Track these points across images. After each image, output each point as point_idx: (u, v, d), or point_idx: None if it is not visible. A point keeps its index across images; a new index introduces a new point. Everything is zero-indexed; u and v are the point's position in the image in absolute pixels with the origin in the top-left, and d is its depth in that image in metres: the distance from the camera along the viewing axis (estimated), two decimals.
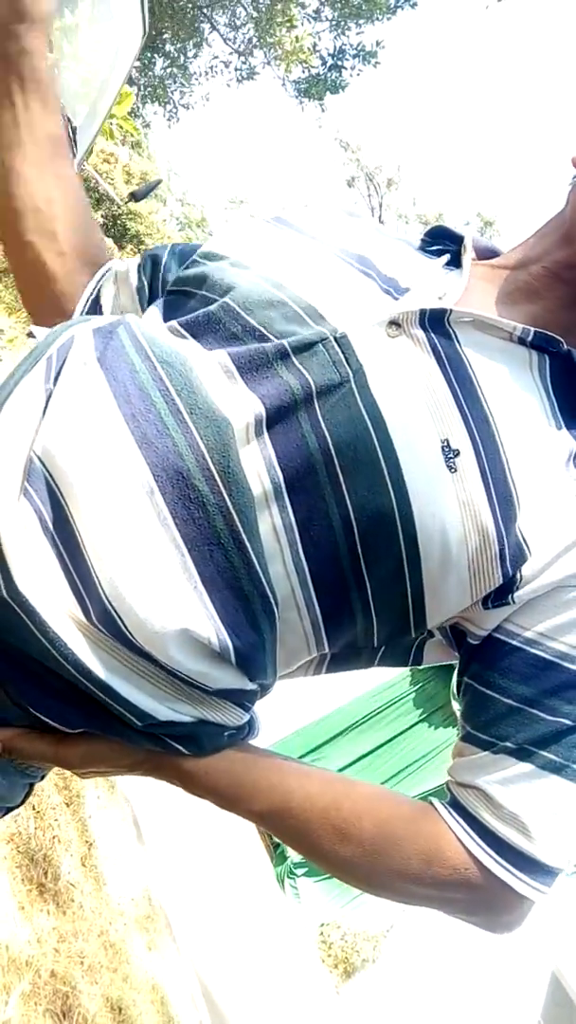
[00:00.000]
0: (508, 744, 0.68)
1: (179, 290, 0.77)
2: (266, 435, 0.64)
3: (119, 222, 15.39)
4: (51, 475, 0.62)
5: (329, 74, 12.94)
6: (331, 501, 0.64)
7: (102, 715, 0.65)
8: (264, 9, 10.84)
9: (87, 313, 0.83)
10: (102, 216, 15.00)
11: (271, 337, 0.66)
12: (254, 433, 0.63)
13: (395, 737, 5.80)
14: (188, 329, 0.70)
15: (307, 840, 0.72)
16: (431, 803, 0.72)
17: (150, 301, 0.84)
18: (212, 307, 0.69)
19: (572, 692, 0.67)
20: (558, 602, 0.67)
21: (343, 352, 0.65)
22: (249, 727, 0.74)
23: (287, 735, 5.54)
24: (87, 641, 0.62)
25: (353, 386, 0.64)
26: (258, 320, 0.67)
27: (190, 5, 13.05)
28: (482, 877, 0.67)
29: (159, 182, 4.98)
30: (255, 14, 12.14)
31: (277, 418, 0.64)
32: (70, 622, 0.61)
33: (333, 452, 0.63)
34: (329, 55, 12.82)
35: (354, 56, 12.84)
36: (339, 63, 12.91)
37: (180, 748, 0.69)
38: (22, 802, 0.82)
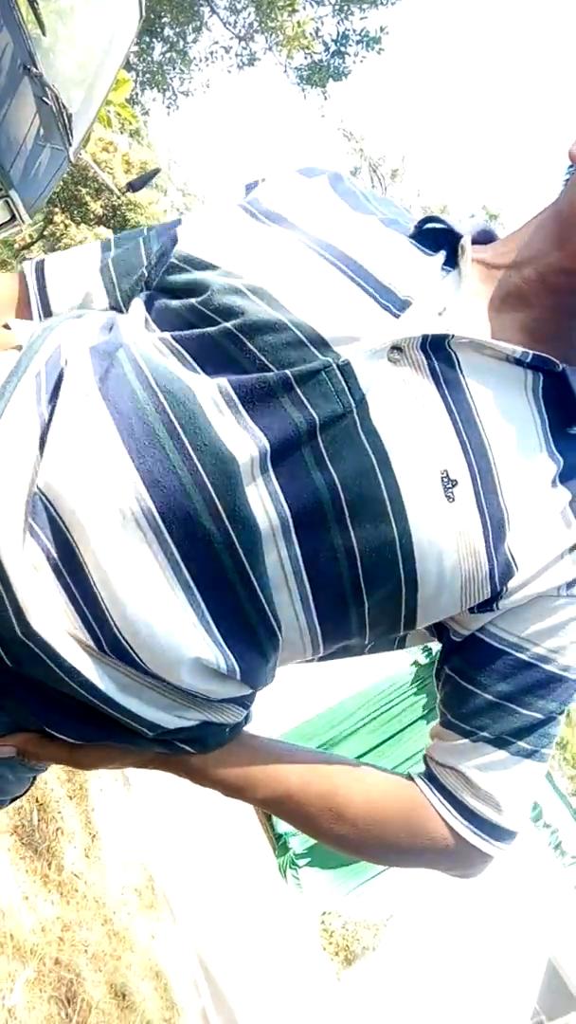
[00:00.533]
0: (486, 734, 0.75)
1: (168, 296, 0.74)
2: (271, 471, 0.64)
3: (119, 213, 15.30)
4: (56, 512, 0.63)
5: (332, 61, 12.81)
6: (336, 534, 0.65)
7: (116, 729, 0.69)
8: None
9: (43, 316, 0.81)
10: (101, 206, 14.92)
11: (272, 367, 0.65)
12: (259, 469, 0.63)
13: (399, 732, 5.83)
14: (185, 347, 0.68)
15: (306, 821, 0.79)
16: (413, 781, 0.79)
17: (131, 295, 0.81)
18: (211, 331, 0.67)
19: (545, 689, 0.74)
20: (541, 610, 0.72)
21: (346, 381, 0.64)
22: (246, 719, 0.78)
23: (297, 725, 5.56)
24: (100, 667, 0.64)
25: (356, 418, 0.65)
26: (258, 346, 0.65)
27: None
28: (459, 845, 0.76)
29: (157, 171, 4.94)
30: None
31: (282, 453, 0.64)
32: (83, 653, 0.64)
33: (339, 487, 0.64)
34: (332, 41, 12.70)
35: (357, 42, 12.71)
36: (342, 49, 12.78)
37: (188, 749, 0.74)
38: (25, 791, 0.86)
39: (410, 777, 0.80)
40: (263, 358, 0.65)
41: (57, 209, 13.17)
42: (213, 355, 0.67)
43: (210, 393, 0.64)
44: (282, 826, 5.39)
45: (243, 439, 0.63)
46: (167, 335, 0.70)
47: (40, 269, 0.82)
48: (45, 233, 13.38)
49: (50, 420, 0.65)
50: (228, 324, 0.66)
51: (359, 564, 0.66)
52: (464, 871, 0.81)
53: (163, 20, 12.97)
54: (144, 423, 0.64)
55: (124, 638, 0.63)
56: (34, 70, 2.82)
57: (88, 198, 14.59)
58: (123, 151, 13.60)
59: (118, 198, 14.48)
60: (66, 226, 14.28)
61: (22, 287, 0.82)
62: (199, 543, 0.63)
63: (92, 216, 14.93)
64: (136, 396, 0.65)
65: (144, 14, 3.92)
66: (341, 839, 0.79)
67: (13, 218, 3.19)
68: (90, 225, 14.81)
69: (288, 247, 0.72)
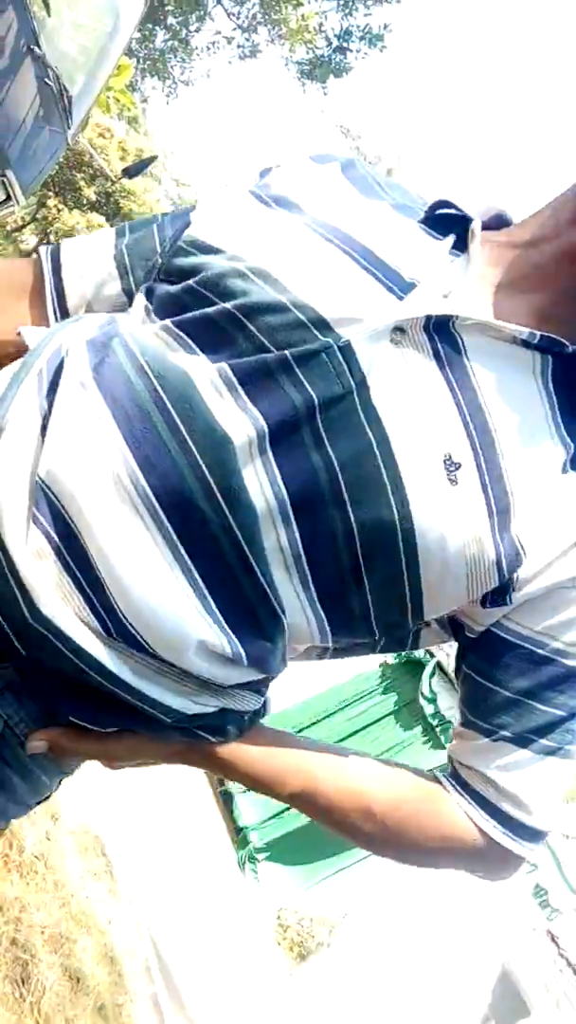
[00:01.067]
0: (507, 733, 0.73)
1: (170, 282, 0.74)
2: (269, 452, 0.63)
3: (112, 199, 15.20)
4: (58, 499, 0.63)
5: (334, 56, 12.81)
6: (335, 516, 0.65)
7: (134, 715, 0.69)
8: None
9: (58, 313, 0.82)
10: (95, 192, 14.82)
11: (272, 347, 0.65)
12: (257, 450, 0.63)
13: (367, 727, 5.89)
14: (184, 331, 0.68)
15: (334, 818, 0.78)
16: (440, 781, 0.78)
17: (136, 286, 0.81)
18: (210, 311, 0.67)
19: (565, 685, 0.72)
20: (556, 602, 0.70)
21: (346, 362, 0.64)
22: (264, 707, 0.79)
23: (271, 714, 5.59)
24: (111, 652, 0.64)
25: (356, 399, 0.64)
26: (259, 327, 0.65)
27: None
28: (489, 846, 0.74)
29: (154, 158, 4.91)
30: None
31: (280, 434, 0.63)
32: (94, 637, 0.64)
33: (338, 469, 0.64)
34: (335, 36, 12.70)
35: (360, 39, 12.72)
36: (344, 45, 12.78)
37: (208, 737, 0.74)
38: (49, 796, 0.86)
39: (436, 778, 0.79)
40: (263, 339, 0.65)
41: (51, 193, 13.06)
42: (213, 337, 0.67)
43: (208, 375, 0.64)
44: (244, 819, 5.41)
45: (240, 420, 0.63)
46: (167, 322, 0.70)
47: (55, 255, 0.82)
48: (37, 216, 13.28)
49: (50, 411, 0.65)
50: (228, 305, 0.66)
51: (358, 546, 0.66)
52: (496, 873, 0.79)
53: (167, 7, 12.90)
54: (138, 407, 0.64)
55: (130, 623, 0.63)
56: (37, 51, 2.82)
57: (82, 183, 14.48)
58: (120, 138, 13.52)
59: (112, 184, 14.38)
60: (59, 210, 14.17)
61: (37, 273, 0.82)
62: (197, 525, 0.63)
63: (85, 201, 14.82)
64: (130, 381, 0.65)
65: (149, 0, 3.91)
66: (369, 838, 0.78)
67: (8, 198, 3.17)
68: (83, 210, 14.70)
69: (293, 230, 0.72)
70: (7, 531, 0.62)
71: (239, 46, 13.95)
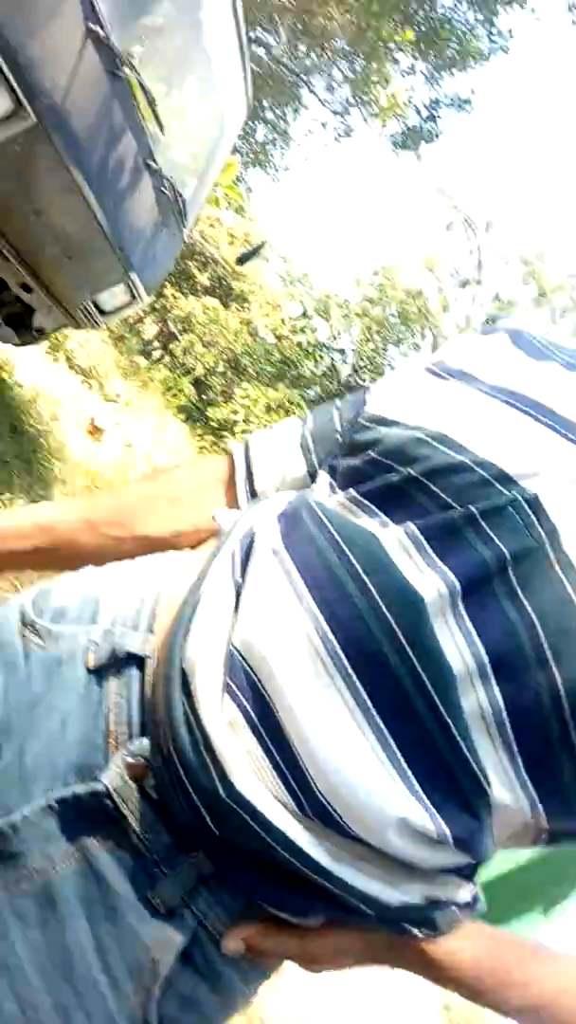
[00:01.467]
0: None
1: (351, 456, 0.77)
2: (462, 608, 0.61)
3: (224, 283, 15.96)
4: (251, 668, 0.63)
5: (424, 124, 13.14)
6: (538, 675, 0.61)
7: (335, 904, 0.65)
8: (360, 70, 11.18)
9: (249, 497, 0.86)
10: (208, 278, 15.60)
11: (457, 505, 0.64)
12: (449, 607, 0.61)
13: None
14: (368, 498, 0.70)
15: None
16: None
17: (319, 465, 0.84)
18: (393, 477, 0.69)
19: None
20: None
21: (535, 514, 0.63)
22: (476, 900, 0.72)
23: None
24: (307, 833, 0.62)
25: (549, 550, 0.62)
26: (442, 488, 0.65)
27: (288, 72, 13.61)
28: None
29: (263, 244, 5.18)
30: (351, 76, 12.53)
31: (472, 590, 0.62)
32: (288, 816, 0.62)
33: (537, 623, 0.61)
34: (424, 106, 13.05)
35: (448, 105, 13.01)
36: (434, 113, 13.10)
37: (417, 932, 0.68)
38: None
39: None
40: (447, 499, 0.65)
41: (167, 283, 13.86)
42: (397, 502, 0.68)
43: (395, 535, 0.64)
44: None
45: (430, 578, 0.62)
46: (351, 491, 0.71)
47: (246, 448, 0.89)
48: (156, 306, 14.08)
49: (243, 582, 0.67)
50: (410, 470, 0.67)
51: (566, 709, 0.61)
52: None
53: (264, 104, 13.67)
54: (328, 570, 0.65)
55: (326, 800, 0.60)
56: (153, 165, 3.07)
57: (195, 271, 15.31)
58: (228, 225, 14.23)
59: (223, 269, 15.12)
60: (175, 298, 15.00)
61: (230, 465, 0.89)
62: (390, 687, 0.61)
63: (199, 287, 15.64)
64: (319, 547, 0.67)
65: (251, 104, 4.19)
66: None
67: (134, 298, 3.43)
68: (198, 296, 15.51)
69: (469, 396, 0.73)
70: (201, 701, 0.62)
71: (334, 128, 14.57)
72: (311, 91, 14.18)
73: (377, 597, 0.62)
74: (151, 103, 2.81)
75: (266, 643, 0.63)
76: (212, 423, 13.91)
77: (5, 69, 2.21)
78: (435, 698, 0.60)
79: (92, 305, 3.33)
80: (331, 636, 0.62)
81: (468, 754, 0.61)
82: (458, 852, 0.64)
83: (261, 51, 12.63)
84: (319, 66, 13.73)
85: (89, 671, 0.70)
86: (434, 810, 0.62)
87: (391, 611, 0.61)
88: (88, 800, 0.65)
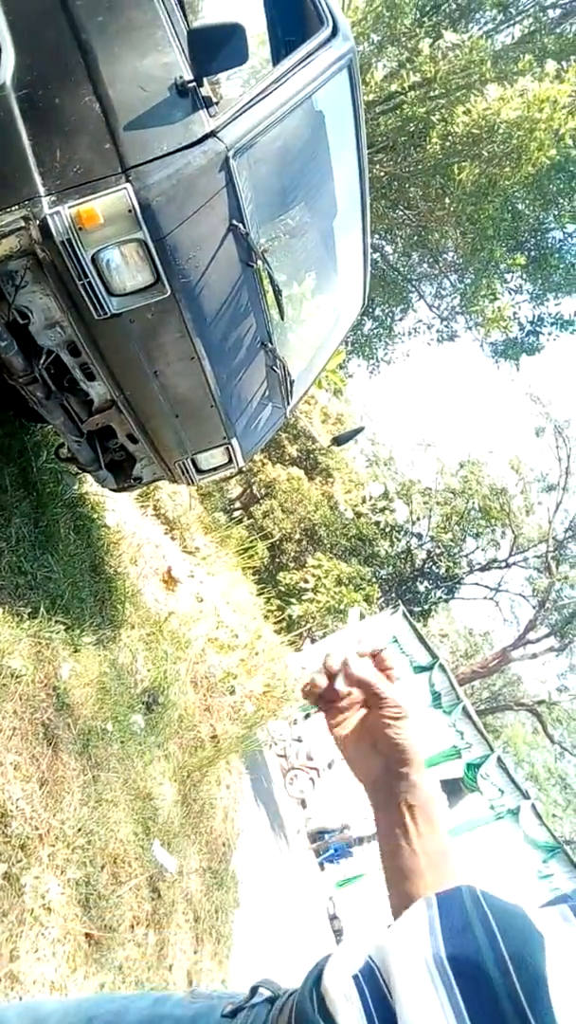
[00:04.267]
0: None
1: None
2: None
3: (311, 456, 16.59)
4: None
5: (526, 339, 13.80)
6: None
7: None
8: (469, 282, 11.96)
9: None
10: (296, 450, 16.27)
11: None
12: None
13: None
14: None
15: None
16: None
17: None
18: None
19: None
20: None
21: None
22: None
23: None
24: None
25: None
26: None
27: (401, 278, 14.68)
28: None
29: (361, 429, 5.38)
30: (460, 287, 13.41)
31: None
32: None
33: None
34: (528, 322, 13.75)
35: (552, 324, 13.68)
36: (537, 329, 13.78)
37: None
38: None
39: None
40: None
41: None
42: None
43: None
44: None
45: None
46: None
47: None
48: (243, 469, 14.66)
49: None
50: None
51: None
52: None
53: (375, 302, 14.68)
54: None
55: None
56: (268, 345, 3.28)
57: (286, 442, 16.00)
58: (323, 404, 14.96)
59: (314, 443, 15.75)
60: (263, 464, 15.62)
61: None
62: None
63: (288, 457, 16.28)
64: None
65: (366, 303, 4.50)
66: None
67: (230, 460, 3.57)
68: (284, 465, 16.12)
69: None
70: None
71: (438, 331, 15.46)
72: (420, 296, 15.20)
73: None
74: (277, 292, 3.04)
75: None
76: (281, 587, 13.99)
77: (152, 248, 2.44)
78: None
79: (191, 463, 3.47)
80: None
81: None
82: None
83: (377, 256, 13.72)
84: (430, 275, 14.79)
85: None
86: None
87: None
88: None
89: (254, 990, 0.95)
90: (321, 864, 12.35)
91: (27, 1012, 1.01)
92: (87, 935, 2.62)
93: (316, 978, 0.84)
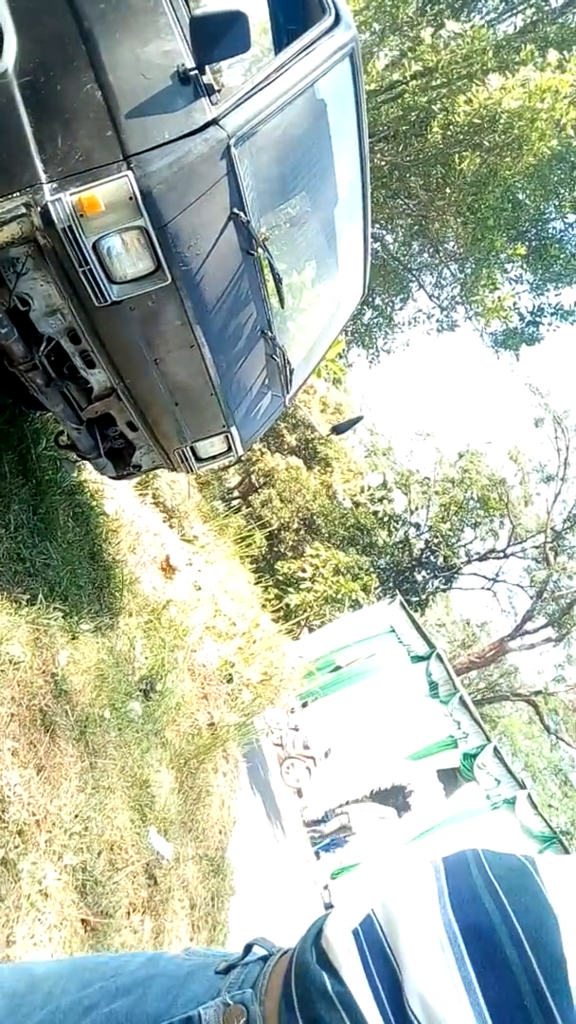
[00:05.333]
0: None
1: None
2: None
3: (310, 445, 16.57)
4: None
5: (526, 329, 13.75)
6: None
7: None
8: (469, 272, 11.92)
9: None
10: (295, 439, 16.25)
11: None
12: None
13: None
14: None
15: None
16: None
17: None
18: None
19: None
20: None
21: None
22: None
23: None
24: None
25: None
26: None
27: (401, 267, 14.63)
28: None
29: (360, 419, 5.37)
30: (460, 276, 13.36)
31: None
32: None
33: None
34: (528, 312, 13.70)
35: (552, 314, 13.63)
36: (537, 319, 13.72)
37: None
38: None
39: None
40: None
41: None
42: None
43: None
44: None
45: None
46: None
47: None
48: (242, 458, 14.65)
49: None
50: None
51: None
52: None
53: (375, 291, 14.64)
54: None
55: None
56: (268, 333, 3.28)
57: (285, 431, 15.98)
58: (321, 394, 14.93)
59: (312, 433, 15.73)
60: (262, 453, 15.60)
61: None
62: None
63: (286, 446, 16.26)
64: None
65: (366, 292, 4.49)
66: None
67: (229, 449, 3.57)
68: (283, 454, 16.11)
69: None
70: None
71: (438, 320, 15.40)
72: (420, 286, 15.15)
73: None
74: (277, 281, 3.03)
75: None
76: (279, 576, 14.00)
77: (153, 236, 2.44)
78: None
79: (190, 451, 3.47)
80: None
81: None
82: None
83: (377, 245, 13.66)
84: (430, 264, 14.73)
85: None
86: None
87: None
88: None
89: (248, 948, 0.97)
90: (317, 853, 12.43)
91: (22, 973, 1.02)
92: (83, 921, 2.64)
93: (317, 933, 0.85)
